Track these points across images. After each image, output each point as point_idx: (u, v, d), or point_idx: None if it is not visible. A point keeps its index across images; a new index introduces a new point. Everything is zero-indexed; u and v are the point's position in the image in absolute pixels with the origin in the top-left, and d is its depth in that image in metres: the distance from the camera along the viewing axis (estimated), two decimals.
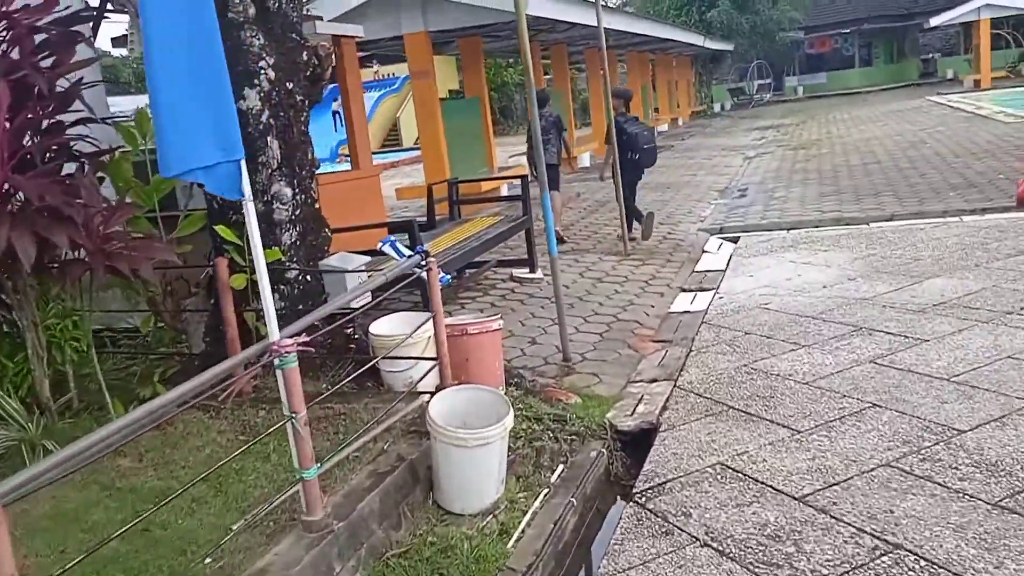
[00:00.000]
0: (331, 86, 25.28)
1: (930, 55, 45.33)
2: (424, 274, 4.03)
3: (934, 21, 30.50)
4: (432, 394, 3.83)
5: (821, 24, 40.29)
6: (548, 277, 7.38)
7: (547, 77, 17.87)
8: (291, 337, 2.84)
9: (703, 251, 8.29)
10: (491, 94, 24.65)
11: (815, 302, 5.93)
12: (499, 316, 4.58)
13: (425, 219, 7.59)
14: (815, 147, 16.33)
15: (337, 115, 38.29)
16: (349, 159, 25.09)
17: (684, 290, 6.85)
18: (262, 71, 3.99)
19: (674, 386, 4.71)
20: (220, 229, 4.08)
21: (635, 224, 8.75)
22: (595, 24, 12.46)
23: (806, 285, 6.43)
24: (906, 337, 4.95)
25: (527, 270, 7.46)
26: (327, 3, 9.89)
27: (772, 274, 6.96)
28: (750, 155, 16.51)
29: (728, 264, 7.60)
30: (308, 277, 4.44)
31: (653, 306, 6.40)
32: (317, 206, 4.50)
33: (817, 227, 8.81)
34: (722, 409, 4.28)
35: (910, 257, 6.86)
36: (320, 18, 6.58)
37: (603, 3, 13.57)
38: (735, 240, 8.74)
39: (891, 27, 42.71)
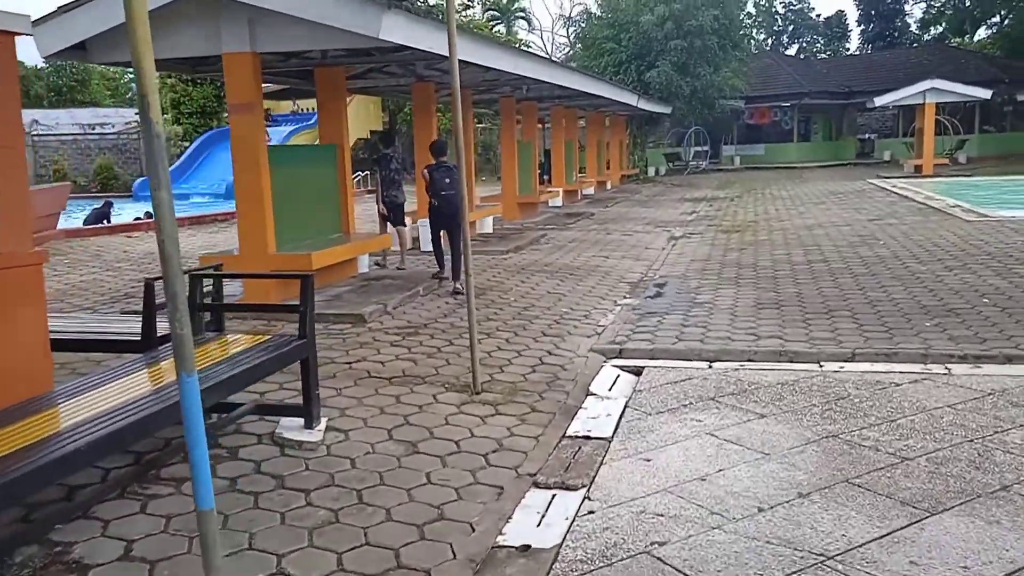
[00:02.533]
0: None
1: (867, 135, 44.92)
2: None
3: (879, 101, 29.36)
4: None
5: (762, 95, 39.22)
6: (332, 437, 4.70)
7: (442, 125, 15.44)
8: None
9: (588, 392, 5.71)
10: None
11: (743, 553, 3.37)
12: None
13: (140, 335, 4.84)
14: (751, 231, 14.13)
15: None
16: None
17: (538, 485, 4.23)
18: None
19: None
20: None
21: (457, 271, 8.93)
22: (495, 67, 10.07)
23: (730, 500, 3.87)
24: None
25: (302, 422, 4.75)
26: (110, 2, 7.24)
27: (679, 461, 4.39)
28: (677, 235, 14.22)
29: (618, 426, 5.02)
30: None
31: (475, 526, 3.75)
32: None
33: (751, 361, 6.35)
34: None
35: (892, 452, 4.39)
36: None
37: (545, 55, 11.25)
38: (637, 372, 6.21)
39: (831, 104, 42.05)
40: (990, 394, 5.26)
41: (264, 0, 7.29)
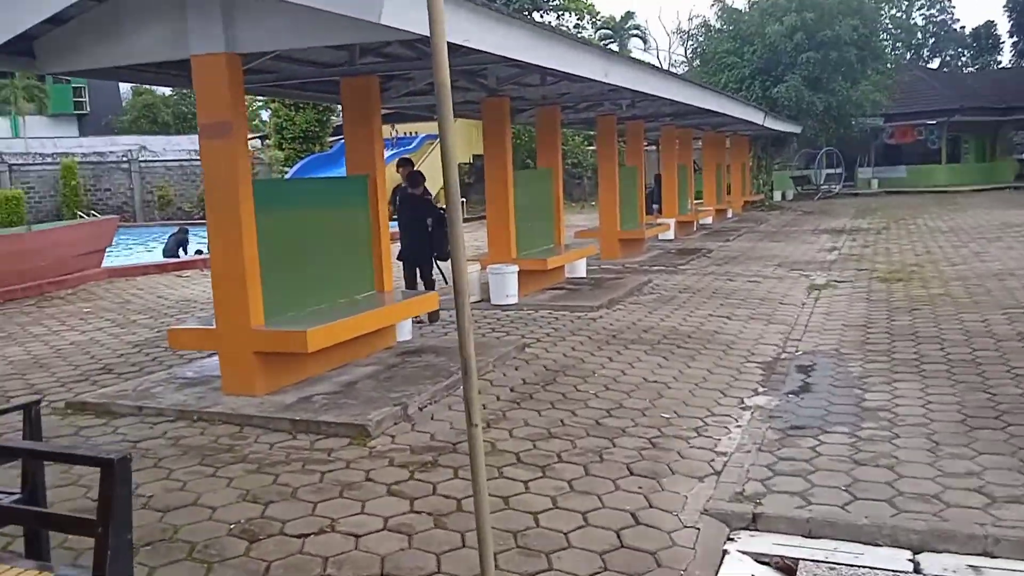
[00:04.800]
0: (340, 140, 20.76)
1: None
2: None
3: None
4: None
5: (904, 112, 35.02)
6: None
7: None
8: None
9: None
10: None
11: None
12: None
13: None
14: (918, 280, 11.04)
15: None
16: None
17: None
18: None
19: None
20: None
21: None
22: (583, 76, 7.65)
23: None
24: None
25: None
26: None
27: None
28: (819, 283, 11.29)
29: None
30: None
31: None
32: None
33: (988, 555, 3.62)
34: None
35: None
36: None
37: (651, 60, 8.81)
38: (788, 571, 3.59)
39: (984, 121, 37.33)
40: None
41: None
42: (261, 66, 7.07)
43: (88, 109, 49.96)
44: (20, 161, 31.54)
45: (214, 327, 5.97)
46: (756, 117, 18.67)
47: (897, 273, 11.72)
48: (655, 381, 6.44)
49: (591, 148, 37.70)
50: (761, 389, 6.25)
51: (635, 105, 13.68)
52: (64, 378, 7.00)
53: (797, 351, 7.43)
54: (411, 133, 34.08)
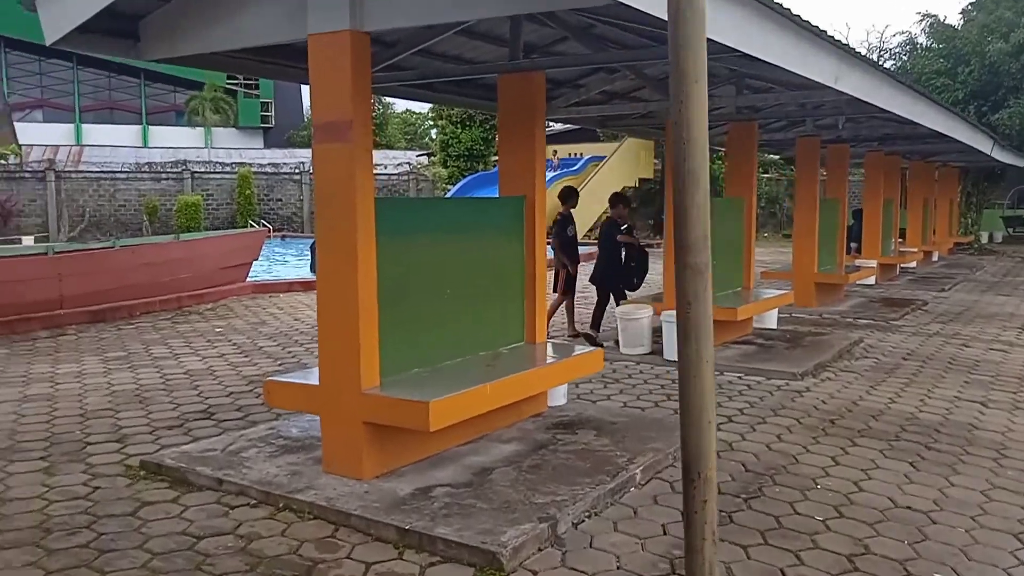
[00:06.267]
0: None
1: None
2: None
3: None
4: None
5: None
6: None
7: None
8: None
9: None
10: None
11: None
12: None
13: None
14: None
15: None
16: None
17: None
18: None
19: None
20: None
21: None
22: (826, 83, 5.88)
23: None
24: None
25: None
26: None
27: None
28: None
29: None
30: None
31: None
32: None
33: None
34: None
35: None
36: None
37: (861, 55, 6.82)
38: None
39: None
40: None
41: None
42: (403, 62, 5.81)
43: (273, 123, 52.07)
44: (202, 170, 32.75)
45: (317, 384, 4.65)
46: (984, 145, 15.82)
47: None
48: (908, 506, 4.52)
49: (766, 175, 34.91)
50: None
51: (845, 125, 11.58)
52: (157, 421, 5.95)
53: None
54: (576, 154, 32.73)
